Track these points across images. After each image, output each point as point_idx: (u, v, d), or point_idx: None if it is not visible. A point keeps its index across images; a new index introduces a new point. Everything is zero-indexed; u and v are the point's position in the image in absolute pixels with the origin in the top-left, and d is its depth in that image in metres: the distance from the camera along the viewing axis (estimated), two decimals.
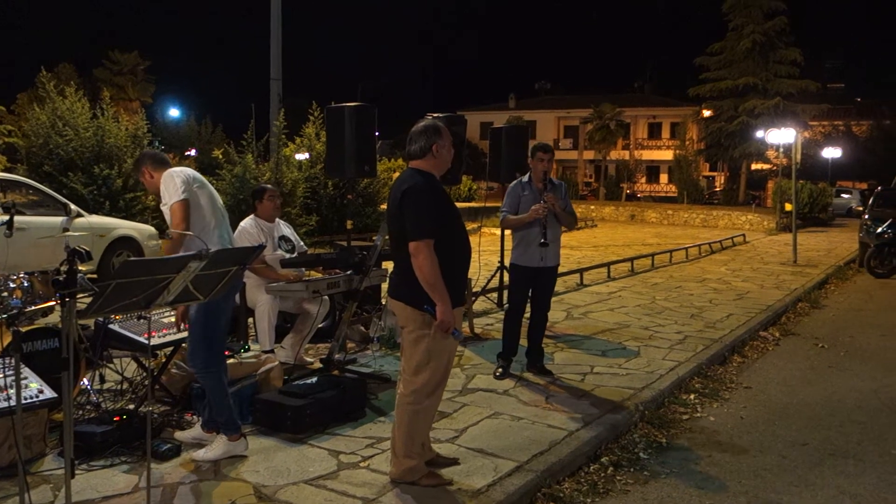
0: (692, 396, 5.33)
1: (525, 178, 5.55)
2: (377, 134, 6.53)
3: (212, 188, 3.91)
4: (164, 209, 3.70)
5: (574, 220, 5.60)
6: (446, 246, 3.29)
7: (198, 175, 3.84)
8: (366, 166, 6.25)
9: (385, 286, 3.99)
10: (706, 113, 39.45)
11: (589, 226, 25.33)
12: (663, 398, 5.14)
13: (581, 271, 10.91)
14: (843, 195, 35.05)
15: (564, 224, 5.52)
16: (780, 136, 15.67)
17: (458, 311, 3.43)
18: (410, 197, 3.27)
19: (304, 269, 5.51)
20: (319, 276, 5.37)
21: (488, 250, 13.80)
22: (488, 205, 18.41)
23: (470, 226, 18.75)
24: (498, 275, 8.38)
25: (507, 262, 6.00)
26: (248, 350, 4.97)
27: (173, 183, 3.67)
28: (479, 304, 8.26)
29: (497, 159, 7.98)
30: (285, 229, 5.78)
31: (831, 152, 30.68)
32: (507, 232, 6.27)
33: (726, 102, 36.75)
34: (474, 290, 7.88)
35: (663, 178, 51.22)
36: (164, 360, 4.52)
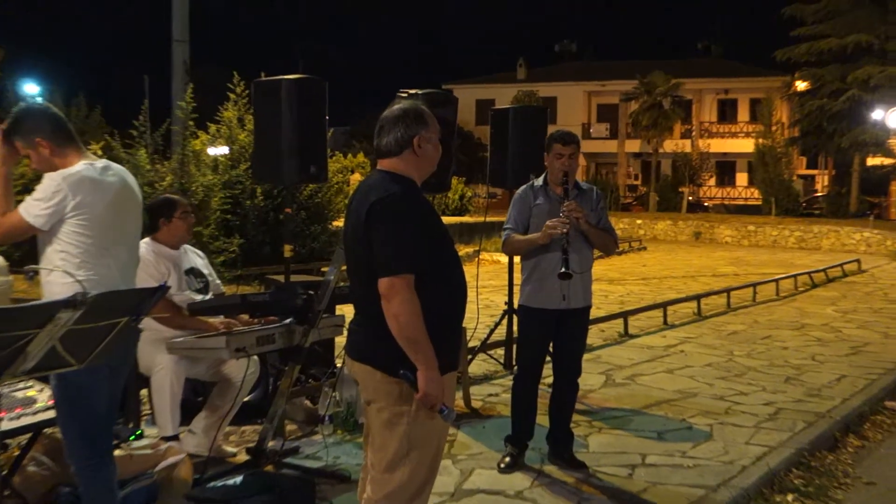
0: (790, 497, 5.33)
1: (539, 182, 5.58)
2: (327, 119, 6.57)
3: (129, 203, 3.85)
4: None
5: (613, 240, 5.62)
6: (433, 283, 3.31)
7: (111, 184, 3.76)
8: (312, 166, 6.27)
9: (341, 341, 3.98)
10: (801, 85, 39.97)
11: (635, 249, 25.47)
12: (748, 500, 5.14)
13: (625, 315, 10.95)
14: None
15: (598, 247, 5.54)
16: None
17: (449, 377, 3.44)
18: (382, 213, 3.28)
19: (222, 315, 5.50)
20: (244, 326, 5.36)
21: (490, 286, 13.79)
22: (489, 219, 18.50)
23: (464, 250, 18.79)
24: (505, 321, 8.39)
25: (517, 303, 6.01)
26: (142, 436, 4.92)
27: (50, 189, 3.64)
28: (478, 366, 8.24)
29: (501, 154, 8.04)
30: (195, 259, 5.78)
31: None
32: (517, 258, 6.30)
33: (829, 70, 37.30)
34: (470, 344, 7.88)
35: (741, 178, 51.74)
36: (17, 452, 4.48)
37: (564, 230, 5.20)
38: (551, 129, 6.78)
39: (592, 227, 5.39)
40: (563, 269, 5.18)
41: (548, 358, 5.72)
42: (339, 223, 13.87)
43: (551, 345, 5.60)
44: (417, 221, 3.34)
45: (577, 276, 5.29)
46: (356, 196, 3.48)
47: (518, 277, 6.04)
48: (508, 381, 6.64)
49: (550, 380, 5.66)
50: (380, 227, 3.28)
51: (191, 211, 5.71)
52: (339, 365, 6.40)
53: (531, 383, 5.56)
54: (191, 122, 14.63)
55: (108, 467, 3.78)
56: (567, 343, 5.56)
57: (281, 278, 6.87)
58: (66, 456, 3.86)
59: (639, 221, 32.82)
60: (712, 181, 51.16)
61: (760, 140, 41.74)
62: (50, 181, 3.66)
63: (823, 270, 17.76)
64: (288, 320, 5.10)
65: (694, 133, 50.93)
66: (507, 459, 5.49)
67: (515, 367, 5.86)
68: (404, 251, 3.25)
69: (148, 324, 5.15)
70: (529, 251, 5.44)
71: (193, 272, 5.65)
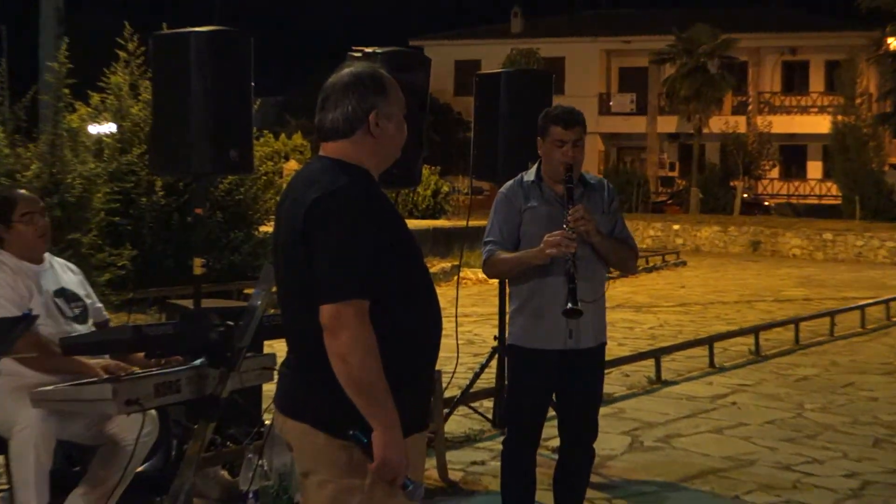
0: None
1: (531, 176, 5.55)
2: (253, 86, 6.58)
3: None
4: None
5: (633, 254, 5.64)
6: (394, 311, 3.33)
7: None
8: (231, 151, 6.28)
9: (271, 389, 3.97)
10: (894, 44, 40.18)
11: (670, 264, 25.54)
12: None
13: (658, 354, 10.89)
14: None
15: (613, 263, 5.56)
16: None
17: (416, 439, 3.44)
18: (325, 214, 3.29)
19: (107, 354, 5.48)
20: (138, 369, 5.35)
21: (473, 314, 13.80)
22: (473, 224, 18.44)
23: (439, 265, 18.78)
24: (495, 363, 8.40)
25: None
26: None
27: None
28: (458, 423, 8.26)
29: (490, 135, 8.07)
30: (66, 276, 5.75)
31: None
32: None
33: None
34: (447, 394, 7.89)
35: (813, 168, 51.98)
36: None
37: (571, 249, 5.06)
38: (557, 101, 6.81)
39: (605, 239, 5.31)
40: (569, 305, 5.05)
41: (552, 412, 5.73)
42: (269, 228, 13.84)
43: (555, 396, 5.62)
44: (373, 226, 3.33)
45: (586, 306, 5.15)
46: (291, 192, 3.49)
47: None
48: (499, 445, 6.66)
49: (555, 442, 5.67)
50: (322, 233, 3.27)
51: (38, 210, 5.59)
52: (267, 422, 6.39)
53: (528, 448, 5.54)
54: (66, 91, 14.55)
55: None
56: (576, 394, 5.51)
57: (189, 304, 6.86)
58: None
59: (676, 227, 32.94)
60: (775, 172, 51.24)
61: (840, 117, 41.66)
62: None
63: None
64: (198, 361, 5.09)
65: (750, 107, 51.11)
66: None
67: (507, 427, 5.87)
68: (355, 267, 3.24)
69: (6, 366, 5.13)
70: (521, 273, 5.38)
71: (65, 294, 5.59)
